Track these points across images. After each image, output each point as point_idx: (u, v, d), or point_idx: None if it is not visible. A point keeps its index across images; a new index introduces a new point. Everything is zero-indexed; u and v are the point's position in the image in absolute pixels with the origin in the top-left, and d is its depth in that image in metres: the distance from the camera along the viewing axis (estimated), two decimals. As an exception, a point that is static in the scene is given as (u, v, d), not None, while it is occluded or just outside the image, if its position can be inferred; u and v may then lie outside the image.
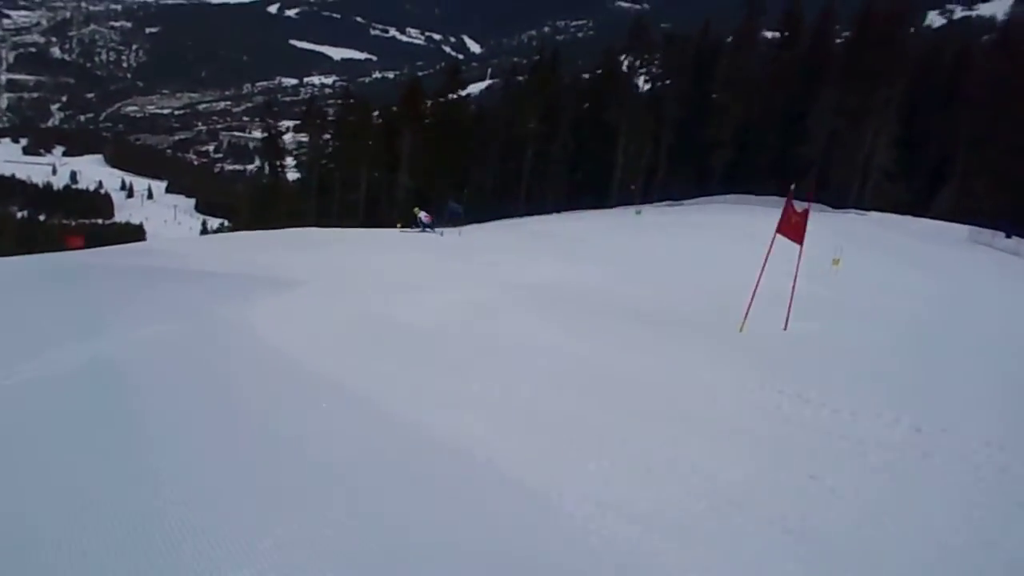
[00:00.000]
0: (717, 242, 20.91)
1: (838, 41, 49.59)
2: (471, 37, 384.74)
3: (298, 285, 10.40)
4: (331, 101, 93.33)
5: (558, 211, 46.23)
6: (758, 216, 30.90)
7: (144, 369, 6.09)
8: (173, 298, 9.44)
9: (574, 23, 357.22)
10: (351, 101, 59.06)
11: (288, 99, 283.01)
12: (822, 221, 27.23)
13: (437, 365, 7.05)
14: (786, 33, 50.53)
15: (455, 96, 56.06)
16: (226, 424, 5.16)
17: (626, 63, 52.95)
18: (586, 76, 58.72)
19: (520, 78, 56.60)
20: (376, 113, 58.33)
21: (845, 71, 43.17)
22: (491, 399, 6.17)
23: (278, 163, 60.97)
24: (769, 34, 53.56)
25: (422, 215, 29.43)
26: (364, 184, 53.41)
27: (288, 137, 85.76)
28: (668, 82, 50.36)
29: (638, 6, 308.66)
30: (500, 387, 6.49)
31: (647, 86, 52.51)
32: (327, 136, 57.70)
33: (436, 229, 28.82)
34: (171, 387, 5.77)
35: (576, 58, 57.56)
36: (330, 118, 59.49)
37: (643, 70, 52.64)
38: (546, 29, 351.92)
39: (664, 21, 55.41)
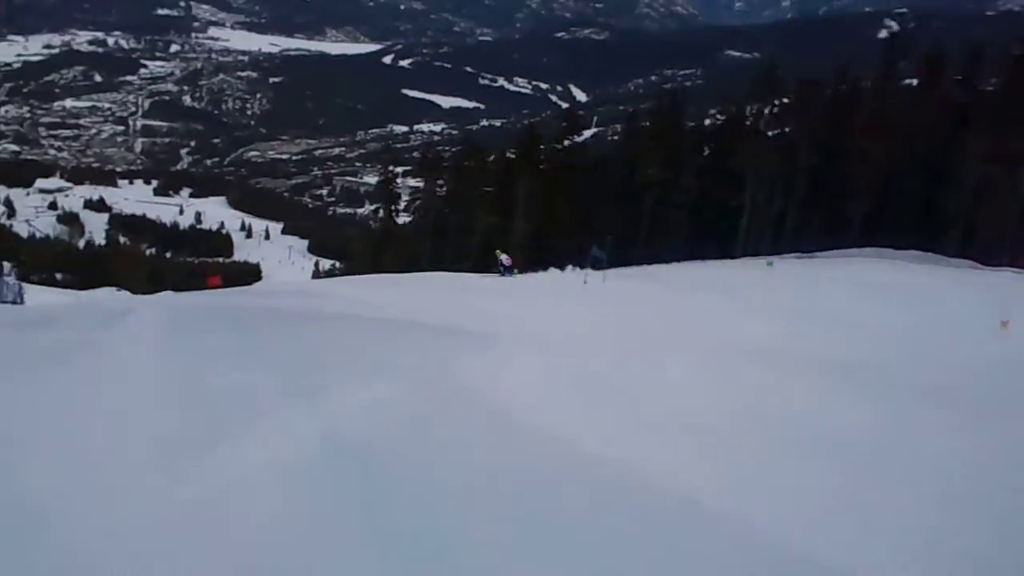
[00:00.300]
0: (881, 301, 18.65)
1: (986, 86, 46.19)
2: (577, 86, 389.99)
3: (486, 338, 9.23)
4: (439, 148, 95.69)
5: (678, 260, 44.43)
6: (906, 272, 28.25)
7: (388, 448, 4.84)
8: (363, 350, 8.50)
9: (682, 72, 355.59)
10: (467, 148, 59.58)
11: (399, 146, 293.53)
12: (971, 280, 24.44)
13: (745, 453, 5.21)
14: (928, 77, 47.55)
15: (572, 141, 55.50)
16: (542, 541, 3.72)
17: (752, 109, 51.18)
18: (707, 122, 57.24)
19: (642, 125, 55.48)
20: (491, 158, 58.55)
21: (996, 115, 39.95)
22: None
23: (393, 207, 62.28)
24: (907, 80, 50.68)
25: (503, 258, 28.67)
26: (480, 228, 53.35)
27: (398, 181, 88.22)
28: (797, 128, 48.11)
29: (748, 55, 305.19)
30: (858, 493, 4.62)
31: (771, 132, 50.50)
32: (441, 181, 58.31)
33: (515, 273, 28.13)
34: (434, 476, 4.41)
35: (686, 106, 56.14)
36: (445, 163, 60.20)
37: (767, 115, 50.77)
38: (653, 78, 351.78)
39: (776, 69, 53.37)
